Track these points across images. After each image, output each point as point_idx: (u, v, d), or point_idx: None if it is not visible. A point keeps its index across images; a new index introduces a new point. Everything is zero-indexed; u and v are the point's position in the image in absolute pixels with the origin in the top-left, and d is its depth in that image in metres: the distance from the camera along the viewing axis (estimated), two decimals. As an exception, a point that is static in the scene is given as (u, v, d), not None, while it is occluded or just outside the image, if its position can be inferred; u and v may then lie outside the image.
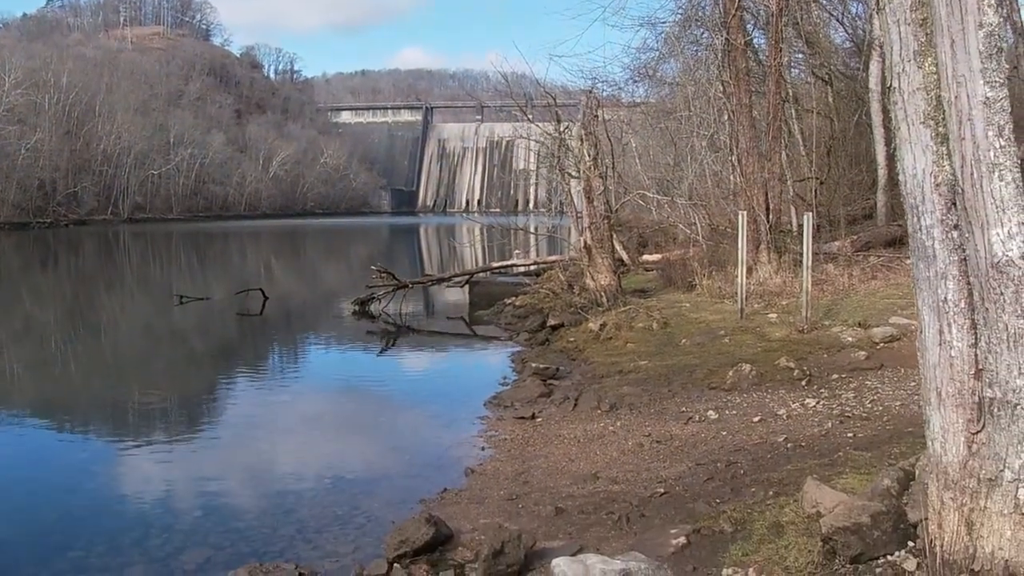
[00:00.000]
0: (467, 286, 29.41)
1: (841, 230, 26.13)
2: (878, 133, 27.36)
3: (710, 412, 11.93)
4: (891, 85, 5.05)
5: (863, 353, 13.98)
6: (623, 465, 10.20)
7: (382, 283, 27.61)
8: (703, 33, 26.73)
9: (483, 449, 11.79)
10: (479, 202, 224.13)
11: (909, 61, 4.95)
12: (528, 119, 26.97)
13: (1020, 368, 4.61)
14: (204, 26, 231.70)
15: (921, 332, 5.15)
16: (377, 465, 11.86)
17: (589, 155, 20.97)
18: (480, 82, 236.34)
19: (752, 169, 21.40)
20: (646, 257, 30.59)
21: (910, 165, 5.02)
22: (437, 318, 28.93)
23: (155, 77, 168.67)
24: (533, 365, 16.57)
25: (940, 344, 5.01)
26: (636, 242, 34.04)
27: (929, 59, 4.82)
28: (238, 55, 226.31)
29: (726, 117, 24.65)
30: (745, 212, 19.04)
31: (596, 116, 21.83)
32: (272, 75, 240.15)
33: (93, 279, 46.77)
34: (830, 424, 10.59)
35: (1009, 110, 4.56)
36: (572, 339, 19.04)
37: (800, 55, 31.25)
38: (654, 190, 30.10)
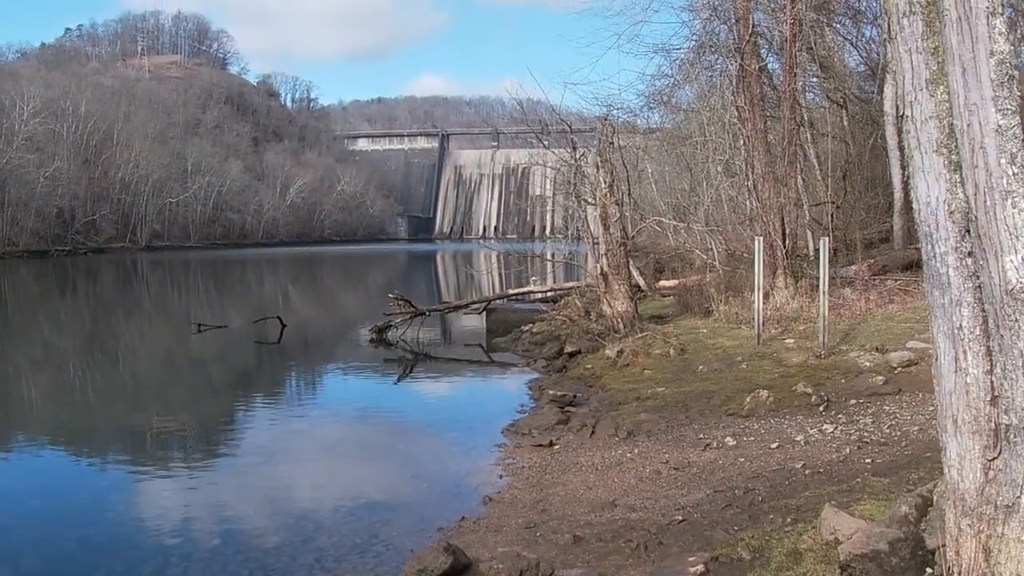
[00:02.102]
0: (484, 313, 29.45)
1: (858, 254, 26.09)
2: (893, 156, 27.35)
3: (728, 438, 11.93)
4: (904, 114, 5.09)
5: (881, 378, 13.94)
6: (641, 492, 10.20)
7: (399, 310, 27.65)
8: (717, 59, 26.77)
9: (501, 477, 11.79)
10: (496, 229, 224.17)
11: (921, 90, 4.98)
12: (544, 146, 27.04)
13: None
14: (221, 55, 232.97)
15: (936, 359, 5.16)
16: (395, 493, 11.84)
17: (605, 182, 21.03)
18: (496, 109, 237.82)
19: (768, 194, 21.41)
20: (663, 283, 30.61)
21: (924, 193, 5.04)
22: (454, 345, 28.99)
23: (173, 106, 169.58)
24: (550, 392, 16.58)
25: (956, 371, 5.02)
26: (653, 268, 34.09)
27: (941, 87, 4.85)
28: (255, 83, 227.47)
29: (741, 142, 24.66)
30: (761, 237, 19.03)
31: (612, 143, 21.88)
32: (289, 103, 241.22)
33: (111, 307, 46.99)
34: (848, 450, 10.57)
35: (1022, 138, 4.59)
36: (589, 366, 19.04)
37: (815, 79, 31.31)
38: (670, 216, 30.19)
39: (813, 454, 10.65)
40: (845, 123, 31.83)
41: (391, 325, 27.63)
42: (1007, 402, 4.73)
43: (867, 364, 14.92)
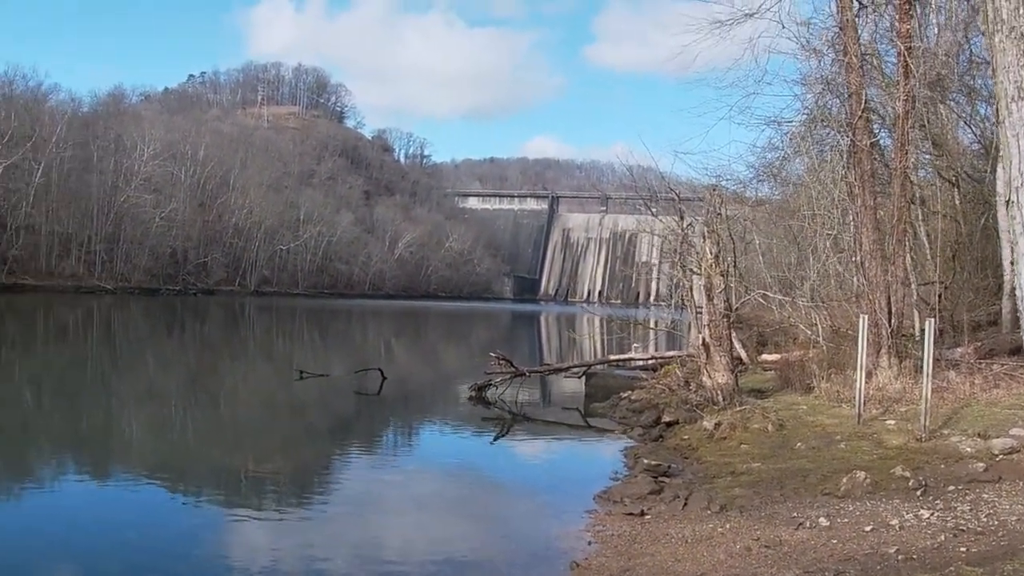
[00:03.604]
0: (584, 377, 29.45)
1: (964, 336, 25.58)
2: (1004, 238, 26.76)
3: (821, 519, 11.77)
4: (1009, 199, 5.07)
5: (981, 465, 13.65)
6: (729, 568, 10.12)
7: (500, 370, 27.78)
8: (828, 133, 26.65)
9: (589, 544, 11.78)
10: (600, 293, 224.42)
11: None
12: (652, 213, 27.09)
13: None
14: (338, 108, 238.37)
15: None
16: (483, 552, 11.94)
17: (711, 252, 21.02)
18: (606, 174, 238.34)
19: (875, 271, 21.16)
20: (765, 357, 30.26)
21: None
22: (553, 408, 28.97)
23: (288, 155, 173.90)
24: (645, 461, 16.50)
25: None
26: (756, 341, 33.76)
27: (1050, 174, 4.84)
28: (370, 138, 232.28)
29: (850, 218, 24.45)
30: (866, 315, 18.82)
31: (719, 213, 21.89)
32: (402, 159, 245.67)
33: (217, 348, 48.08)
34: (943, 537, 10.37)
35: None
36: (686, 437, 18.91)
37: (927, 156, 30.92)
38: (776, 289, 29.95)
39: (907, 539, 10.47)
40: (957, 202, 31.33)
41: (491, 384, 27.75)
42: None
43: (968, 450, 14.63)
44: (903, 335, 23.75)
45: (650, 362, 31.50)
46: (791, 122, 26.56)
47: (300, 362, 35.69)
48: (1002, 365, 21.47)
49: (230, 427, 23.34)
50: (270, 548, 11.78)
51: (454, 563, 11.28)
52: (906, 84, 20.57)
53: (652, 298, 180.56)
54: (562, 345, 59.74)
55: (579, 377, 29.88)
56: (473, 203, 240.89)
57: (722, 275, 20.99)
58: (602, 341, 45.42)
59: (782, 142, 28.61)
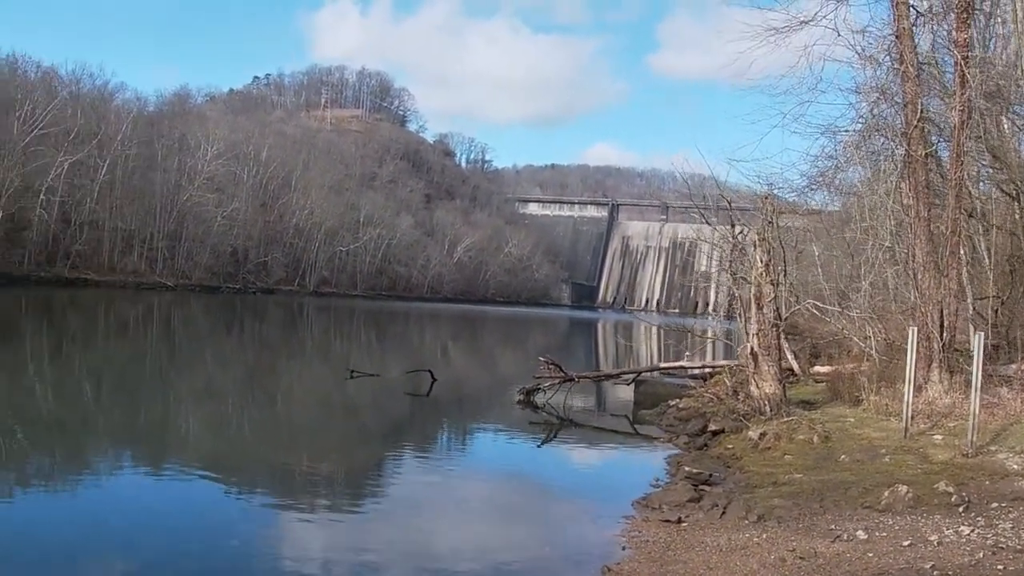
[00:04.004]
0: (634, 384, 29.36)
1: (1020, 352, 25.15)
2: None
3: (859, 532, 11.63)
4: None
5: (1030, 483, 13.45)
6: (761, 578, 10.04)
7: (549, 375, 27.77)
8: (884, 143, 26.32)
9: (624, 549, 11.73)
10: (658, 302, 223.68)
11: None
12: (707, 222, 26.95)
13: None
14: (401, 112, 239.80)
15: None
16: (517, 553, 12.06)
17: (762, 260, 20.86)
18: (667, 182, 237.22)
19: (928, 284, 20.86)
20: (817, 368, 29.99)
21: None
22: (602, 414, 28.94)
23: (350, 158, 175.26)
24: (686, 469, 16.42)
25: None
26: (809, 352, 33.45)
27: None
28: (431, 142, 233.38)
29: (905, 229, 24.14)
30: (916, 328, 18.59)
31: (771, 221, 21.73)
32: (463, 163, 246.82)
33: (275, 347, 48.55)
34: (982, 554, 10.21)
35: None
36: (730, 446, 18.80)
37: (988, 169, 30.42)
38: (832, 300, 29.65)
39: (945, 556, 10.32)
40: (1017, 216, 30.81)
41: (540, 388, 27.73)
42: None
43: (1015, 467, 14.41)
44: (956, 349, 23.40)
45: (701, 370, 31.31)
46: (846, 131, 26.24)
47: (356, 363, 35.80)
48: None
49: (281, 425, 23.44)
50: (310, 543, 11.95)
51: (487, 564, 11.36)
52: (962, 94, 20.27)
53: (711, 307, 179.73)
54: (618, 352, 59.61)
55: (628, 384, 29.77)
56: (533, 209, 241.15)
57: (772, 284, 20.84)
58: (659, 349, 45.23)
59: (836, 151, 28.23)
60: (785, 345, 30.63)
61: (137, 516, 12.88)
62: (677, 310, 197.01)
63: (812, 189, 31.28)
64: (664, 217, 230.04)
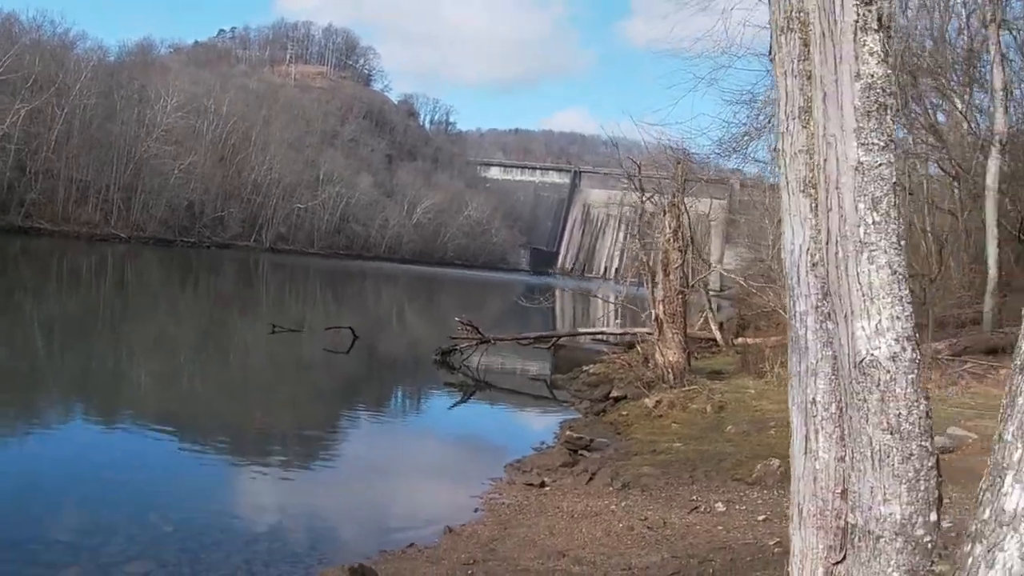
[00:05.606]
0: (552, 349, 29.04)
1: (946, 332, 24.95)
2: (990, 233, 26.05)
3: (719, 504, 11.27)
4: (776, 147, 4.49)
5: (912, 462, 13.11)
6: (599, 547, 9.66)
7: (466, 336, 27.39)
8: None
9: (476, 511, 11.43)
10: (616, 270, 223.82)
11: (794, 119, 4.32)
12: (635, 188, 26.49)
13: (885, 492, 3.81)
14: (366, 71, 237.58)
15: (792, 437, 4.55)
16: (363, 509, 11.98)
17: (670, 227, 20.44)
18: (631, 150, 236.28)
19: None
20: (741, 340, 29.73)
21: (789, 240, 4.41)
22: (520, 377, 28.54)
23: (313, 115, 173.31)
24: (567, 434, 16.08)
25: (805, 452, 4.40)
26: (737, 323, 33.19)
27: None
28: (396, 102, 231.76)
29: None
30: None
31: (682, 188, 21.33)
32: (427, 124, 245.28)
33: (227, 304, 47.82)
34: (830, 531, 9.86)
35: (893, 179, 3.86)
36: (625, 412, 18.45)
37: (928, 148, 30.20)
38: (752, 272, 29.38)
39: (794, 531, 9.97)
40: (957, 196, 30.67)
41: (456, 348, 27.33)
42: (854, 497, 3.95)
43: (900, 446, 14.08)
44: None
45: (625, 337, 30.92)
46: (761, 98, 25.63)
47: (313, 322, 35.41)
48: (968, 363, 20.89)
49: (206, 379, 23.04)
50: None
51: (328, 520, 11.16)
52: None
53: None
54: (577, 316, 59.26)
55: (548, 349, 29.44)
56: (495, 173, 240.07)
57: (679, 251, 20.42)
58: (601, 314, 44.83)
59: (748, 118, 27.51)
60: (710, 315, 30.43)
61: (83, 470, 12.56)
62: (637, 278, 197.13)
63: (725, 156, 30.53)
64: (627, 185, 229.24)
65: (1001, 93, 25.49)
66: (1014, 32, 27.03)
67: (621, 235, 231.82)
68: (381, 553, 9.47)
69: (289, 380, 24.19)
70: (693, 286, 23.66)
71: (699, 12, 22.06)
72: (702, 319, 31.60)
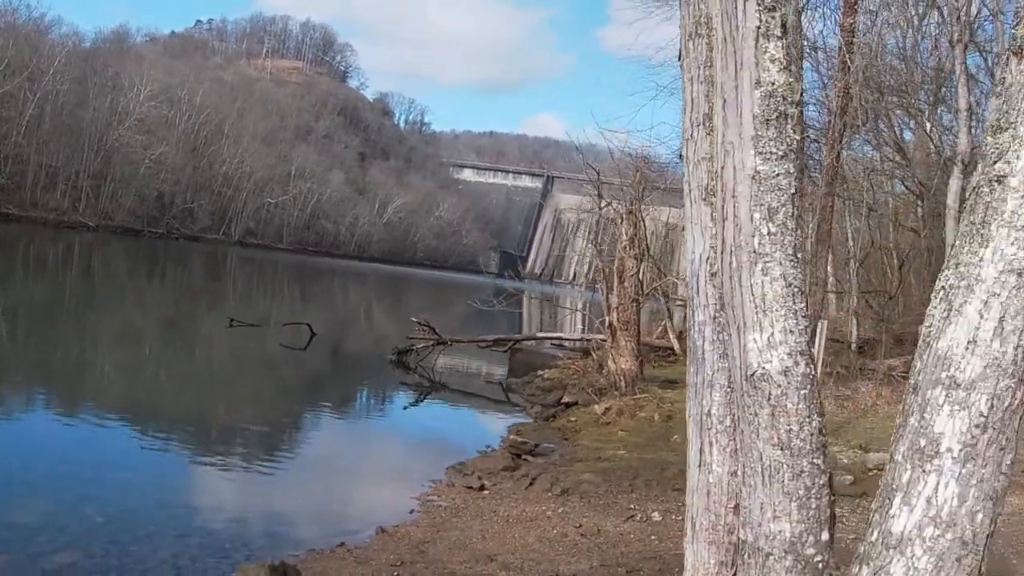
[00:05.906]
0: (509, 353, 28.99)
1: (904, 349, 25.06)
2: (950, 252, 26.19)
3: (655, 513, 11.26)
4: (681, 154, 4.45)
5: (850, 477, 13.14)
6: (530, 553, 9.61)
7: (423, 336, 27.30)
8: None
9: (411, 512, 11.35)
10: (586, 276, 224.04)
11: (698, 126, 4.29)
12: (598, 195, 26.47)
13: (775, 509, 3.78)
14: (343, 67, 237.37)
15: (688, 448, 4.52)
16: (300, 507, 11.75)
17: (627, 234, 20.44)
18: (605, 158, 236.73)
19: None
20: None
21: (690, 249, 4.38)
22: (477, 380, 28.48)
23: (287, 110, 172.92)
24: (512, 438, 16.04)
25: (700, 465, 4.38)
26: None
27: (720, 124, 4.16)
28: (371, 100, 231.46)
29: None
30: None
31: (640, 196, 21.34)
32: (402, 124, 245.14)
33: (194, 296, 47.38)
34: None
35: (792, 190, 3.78)
36: (574, 418, 18.45)
37: (895, 166, 30.47)
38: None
39: (725, 542, 9.96)
40: (920, 214, 30.91)
41: (412, 349, 27.24)
42: (745, 513, 3.92)
43: (844, 461, 14.13)
44: (835, 340, 23.26)
45: (582, 343, 30.88)
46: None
47: (279, 317, 35.02)
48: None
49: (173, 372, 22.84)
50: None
51: (262, 517, 11.03)
52: (844, 78, 19.93)
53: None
54: (544, 321, 59.15)
55: (505, 352, 29.37)
56: (467, 175, 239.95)
57: (635, 259, 20.42)
58: (570, 320, 44.85)
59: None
60: (669, 324, 30.47)
61: (27, 459, 12.39)
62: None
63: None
64: (597, 192, 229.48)
65: (965, 113, 25.62)
66: (984, 54, 27.20)
67: (590, 241, 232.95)
68: (309, 552, 9.39)
69: (242, 375, 24.06)
70: (648, 294, 23.64)
71: (664, 21, 22.09)
72: (661, 327, 31.69)
